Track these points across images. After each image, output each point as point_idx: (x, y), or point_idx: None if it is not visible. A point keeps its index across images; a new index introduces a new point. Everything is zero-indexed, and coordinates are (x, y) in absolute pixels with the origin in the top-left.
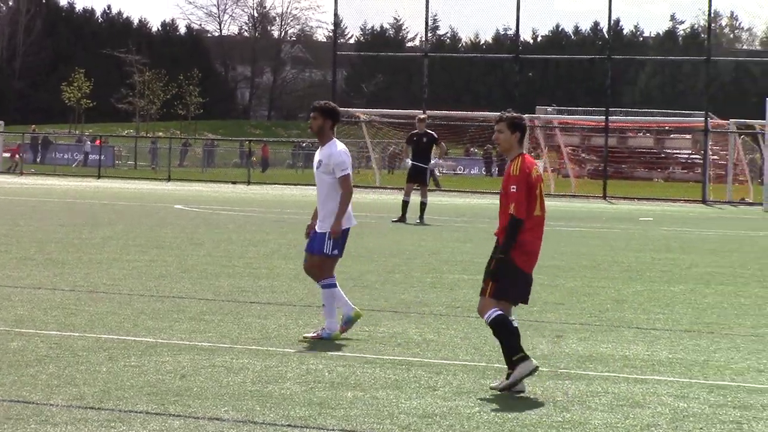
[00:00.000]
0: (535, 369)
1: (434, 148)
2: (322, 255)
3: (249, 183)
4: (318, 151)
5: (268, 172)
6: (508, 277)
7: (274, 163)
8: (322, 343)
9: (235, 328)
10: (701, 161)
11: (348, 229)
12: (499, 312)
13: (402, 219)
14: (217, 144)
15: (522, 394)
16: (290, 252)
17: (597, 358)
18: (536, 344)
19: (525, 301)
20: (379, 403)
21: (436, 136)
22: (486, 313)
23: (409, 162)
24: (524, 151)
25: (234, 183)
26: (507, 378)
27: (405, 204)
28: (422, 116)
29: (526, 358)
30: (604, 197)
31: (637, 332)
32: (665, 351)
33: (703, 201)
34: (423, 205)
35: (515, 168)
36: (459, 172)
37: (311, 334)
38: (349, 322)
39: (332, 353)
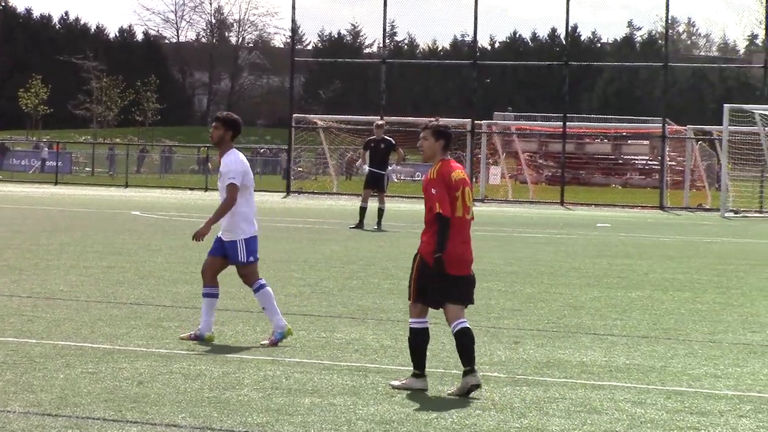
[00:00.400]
0: (423, 390)
1: (392, 154)
2: (239, 264)
3: (206, 189)
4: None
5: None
6: (428, 280)
7: None
8: (279, 349)
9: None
10: (659, 167)
11: (256, 237)
12: (418, 324)
13: (360, 225)
14: (175, 150)
15: (454, 397)
16: None
17: (554, 364)
18: (494, 350)
19: (463, 302)
20: (337, 409)
21: (393, 142)
22: (409, 320)
23: (366, 168)
24: (448, 158)
25: (191, 189)
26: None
27: (362, 210)
28: (380, 122)
29: (422, 376)
30: (562, 203)
31: (594, 338)
32: (622, 357)
33: (661, 207)
34: (381, 212)
35: (432, 172)
36: (417, 178)
37: (266, 341)
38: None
39: (289, 360)
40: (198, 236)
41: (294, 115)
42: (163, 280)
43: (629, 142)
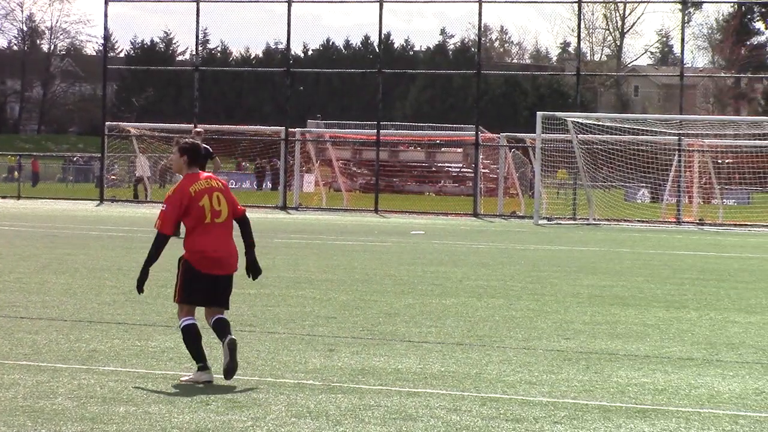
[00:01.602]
0: (209, 382)
1: (209, 162)
2: None
3: (19, 197)
4: None
5: (39, 186)
6: (188, 281)
7: (45, 177)
8: (94, 358)
9: (5, 343)
10: (472, 175)
11: None
12: (188, 321)
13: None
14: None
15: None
16: (61, 267)
17: (369, 371)
18: (308, 358)
19: (214, 303)
20: (152, 417)
21: (211, 150)
22: (179, 321)
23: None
24: (196, 172)
25: (4, 197)
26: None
27: None
28: (198, 129)
29: (205, 368)
30: (376, 211)
31: (409, 345)
32: (437, 364)
33: (475, 214)
34: None
35: (172, 188)
36: (231, 186)
37: None
38: None
39: (104, 368)
40: None
41: (107, 123)
42: None
43: (443, 149)
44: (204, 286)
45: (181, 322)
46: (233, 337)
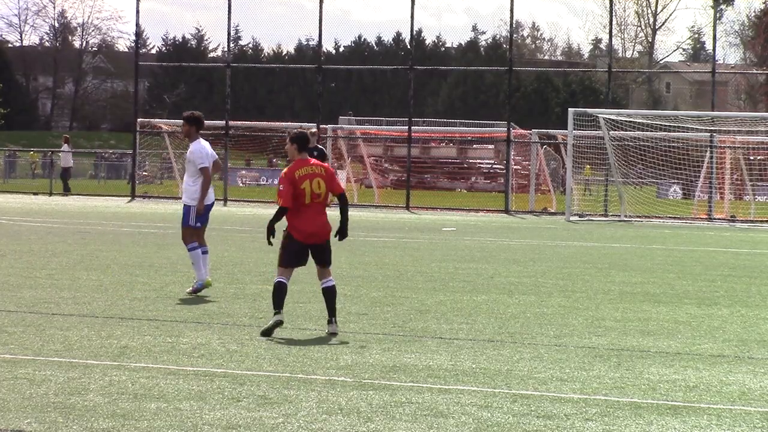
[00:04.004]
0: (280, 322)
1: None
2: (186, 226)
3: (51, 194)
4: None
5: (70, 182)
6: (288, 249)
7: (76, 174)
8: (125, 354)
9: (37, 339)
10: (504, 171)
11: (210, 205)
12: (280, 279)
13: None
14: (19, 155)
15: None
16: (92, 263)
17: (401, 368)
18: (339, 354)
19: (318, 263)
20: (183, 414)
21: (325, 151)
22: (275, 278)
23: None
24: (307, 157)
25: (36, 194)
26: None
27: None
28: (314, 130)
29: (279, 313)
30: (407, 207)
31: (440, 342)
32: (469, 361)
33: (506, 211)
34: None
35: (283, 171)
36: (262, 182)
37: (189, 289)
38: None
39: (135, 365)
40: (199, 212)
41: (138, 119)
42: (8, 285)
43: (474, 146)
44: (300, 253)
45: (275, 279)
46: (336, 330)
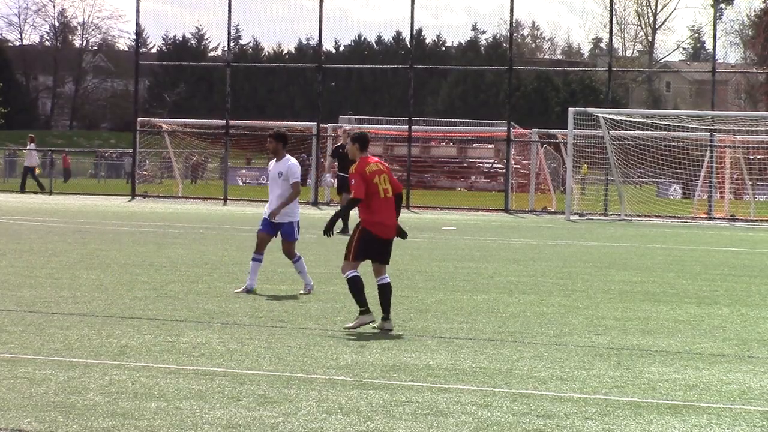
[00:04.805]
0: (371, 322)
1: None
2: (293, 240)
3: (51, 193)
4: (274, 163)
5: (70, 182)
6: (363, 243)
7: (76, 173)
8: (125, 354)
9: (37, 338)
10: (504, 170)
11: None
12: (354, 274)
13: (346, 229)
14: (19, 154)
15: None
16: (92, 262)
17: (401, 367)
18: (339, 354)
19: (382, 261)
20: (183, 413)
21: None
22: (344, 273)
23: (328, 178)
24: (369, 156)
25: (36, 193)
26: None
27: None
28: (347, 128)
29: (367, 311)
30: (407, 206)
31: (440, 341)
32: (468, 360)
33: (506, 210)
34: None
35: (352, 168)
36: (262, 182)
37: (302, 291)
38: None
39: (135, 364)
40: (272, 215)
41: (138, 118)
42: (8, 284)
43: (474, 145)
44: (374, 247)
45: (347, 274)
46: (390, 325)
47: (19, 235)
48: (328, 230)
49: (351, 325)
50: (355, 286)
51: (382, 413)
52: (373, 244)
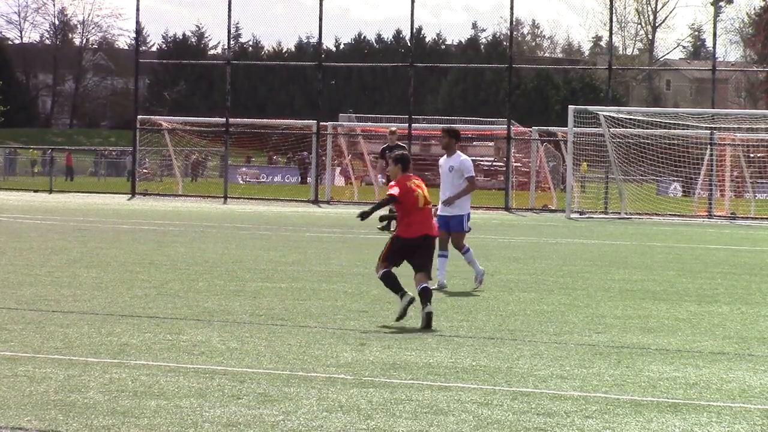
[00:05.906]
0: (413, 299)
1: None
2: (463, 231)
3: (51, 191)
4: (446, 159)
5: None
6: (392, 245)
7: (77, 171)
8: (125, 352)
9: (37, 337)
10: (504, 168)
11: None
12: (386, 270)
13: (388, 227)
14: (19, 153)
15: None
16: (92, 260)
17: (401, 365)
18: (340, 352)
19: (398, 264)
20: (183, 411)
21: (406, 148)
22: (377, 273)
23: (380, 179)
24: (409, 175)
25: (36, 191)
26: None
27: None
28: (393, 128)
29: (405, 294)
30: None
31: (440, 339)
32: (469, 358)
33: (506, 208)
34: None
35: (396, 179)
36: (262, 180)
37: (476, 286)
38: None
39: (135, 362)
40: (448, 202)
41: (139, 116)
42: (8, 283)
43: (474, 143)
44: (404, 251)
45: (380, 272)
46: (431, 309)
47: (19, 233)
48: (365, 215)
49: (397, 315)
50: (388, 280)
51: (382, 411)
52: (404, 248)
